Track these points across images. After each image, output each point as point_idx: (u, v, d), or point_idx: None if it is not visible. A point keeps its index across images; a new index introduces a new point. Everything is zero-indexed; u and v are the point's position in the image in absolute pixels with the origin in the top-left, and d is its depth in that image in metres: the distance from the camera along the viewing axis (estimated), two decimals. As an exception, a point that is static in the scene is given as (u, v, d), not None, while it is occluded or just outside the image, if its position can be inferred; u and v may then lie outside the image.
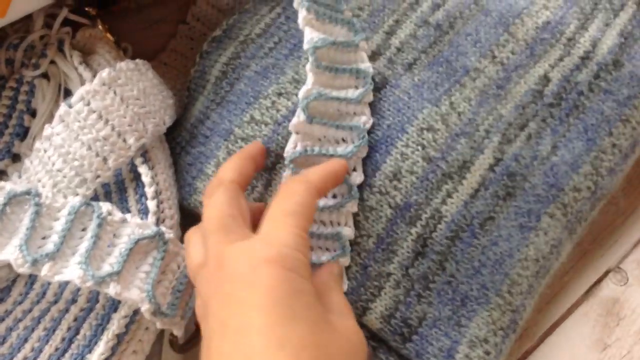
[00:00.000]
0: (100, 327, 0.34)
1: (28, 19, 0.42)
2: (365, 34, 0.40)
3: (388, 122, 0.38)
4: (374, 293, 0.36)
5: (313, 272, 0.31)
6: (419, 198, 0.36)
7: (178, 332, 0.35)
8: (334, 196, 0.36)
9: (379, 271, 0.36)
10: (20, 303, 0.36)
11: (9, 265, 0.36)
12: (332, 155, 0.36)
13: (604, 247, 0.43)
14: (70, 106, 0.36)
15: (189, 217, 0.40)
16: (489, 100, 0.39)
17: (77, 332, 0.35)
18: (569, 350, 0.40)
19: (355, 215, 0.37)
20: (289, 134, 0.38)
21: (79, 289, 0.36)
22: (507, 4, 0.41)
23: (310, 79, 0.36)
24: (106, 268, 0.33)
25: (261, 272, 0.27)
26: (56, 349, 0.34)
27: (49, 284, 0.37)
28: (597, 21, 0.41)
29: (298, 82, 0.39)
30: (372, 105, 0.38)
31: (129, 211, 0.37)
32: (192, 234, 0.32)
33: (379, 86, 0.38)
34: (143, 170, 0.37)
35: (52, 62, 0.41)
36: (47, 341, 0.35)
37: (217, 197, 0.31)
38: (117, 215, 0.35)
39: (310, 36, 0.36)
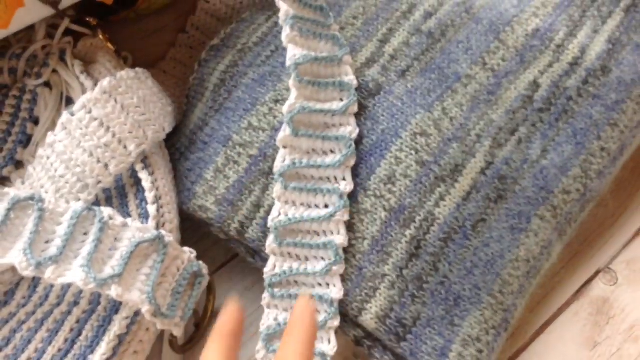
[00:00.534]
0: (102, 329, 0.35)
1: (30, 29, 0.43)
2: (358, 42, 0.41)
3: (382, 127, 0.39)
4: (369, 294, 0.37)
5: None
6: (413, 201, 0.37)
7: (178, 332, 0.36)
8: (326, 206, 0.37)
9: (374, 272, 0.37)
10: (23, 306, 0.37)
11: (12, 269, 0.37)
12: (320, 167, 0.37)
13: (594, 248, 0.44)
14: (72, 114, 0.37)
15: (187, 221, 0.41)
16: (480, 106, 0.40)
17: (79, 334, 0.35)
18: (560, 348, 0.41)
19: (350, 218, 0.38)
20: (286, 139, 0.39)
21: (81, 292, 0.37)
22: (498, 12, 0.42)
23: (293, 93, 0.37)
24: (108, 271, 0.34)
25: None
26: (59, 350, 0.35)
27: (52, 287, 0.37)
28: (586, 28, 0.42)
29: (294, 89, 0.40)
30: (367, 110, 0.39)
31: (129, 216, 0.38)
32: None
33: (374, 92, 0.39)
34: (143, 175, 0.38)
35: (54, 71, 0.42)
36: (50, 342, 0.35)
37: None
38: (119, 219, 0.36)
39: (293, 53, 0.37)
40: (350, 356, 0.40)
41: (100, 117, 0.37)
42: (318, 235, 0.37)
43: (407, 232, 0.37)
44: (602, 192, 0.42)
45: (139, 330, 0.35)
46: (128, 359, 0.35)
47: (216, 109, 0.42)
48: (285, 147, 0.37)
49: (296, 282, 0.38)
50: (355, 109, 0.38)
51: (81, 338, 0.35)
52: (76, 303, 0.36)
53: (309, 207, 0.37)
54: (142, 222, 0.37)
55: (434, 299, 0.37)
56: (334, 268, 0.37)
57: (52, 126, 0.41)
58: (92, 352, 0.35)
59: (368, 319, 0.37)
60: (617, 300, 0.42)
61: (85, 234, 0.35)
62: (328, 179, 0.38)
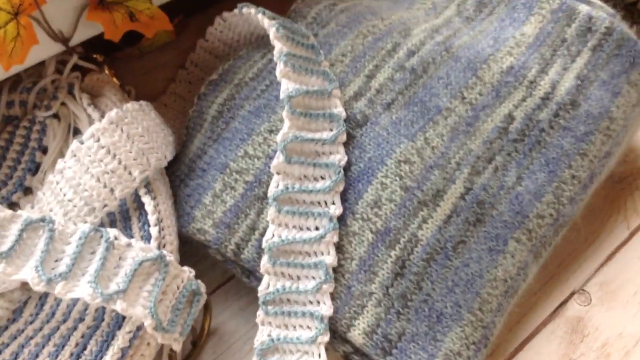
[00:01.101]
0: (106, 343, 0.37)
1: (41, 65, 0.46)
2: (347, 77, 0.44)
3: (369, 155, 0.42)
4: (357, 311, 0.39)
5: None
6: (398, 224, 0.40)
7: (177, 347, 0.38)
8: (317, 228, 0.40)
9: (362, 291, 0.39)
10: (31, 322, 0.39)
11: (21, 288, 0.40)
12: (311, 191, 0.40)
13: (569, 270, 0.47)
14: (81, 142, 0.40)
15: (186, 244, 0.44)
16: (459, 136, 0.43)
17: (84, 348, 0.37)
18: (537, 364, 0.43)
19: (339, 239, 0.40)
20: (279, 166, 0.42)
21: (86, 309, 0.39)
22: (475, 51, 0.46)
23: (286, 124, 0.40)
24: (113, 287, 0.36)
25: None
26: (65, 363, 0.37)
27: (58, 304, 0.40)
28: (556, 66, 0.46)
29: (287, 120, 0.43)
30: (354, 140, 0.42)
31: (132, 237, 0.40)
32: None
33: (361, 123, 0.43)
34: (146, 200, 0.40)
35: (63, 103, 0.45)
36: (57, 356, 0.37)
37: None
38: (123, 239, 0.38)
39: (286, 86, 0.41)
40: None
41: (108, 145, 0.40)
42: (309, 255, 0.40)
43: (393, 253, 0.40)
44: (574, 218, 0.45)
45: (140, 344, 0.38)
46: (130, 371, 0.37)
47: (214, 138, 0.45)
48: (278, 173, 0.40)
49: (289, 300, 0.40)
50: (343, 138, 0.41)
51: (86, 352, 0.37)
52: (81, 319, 0.39)
53: (301, 229, 0.40)
54: (145, 243, 0.39)
55: (417, 316, 0.39)
56: (324, 286, 0.39)
57: (60, 155, 0.44)
58: (96, 365, 0.37)
59: (356, 335, 0.39)
60: (590, 319, 0.45)
61: (92, 253, 0.38)
62: (319, 203, 0.40)
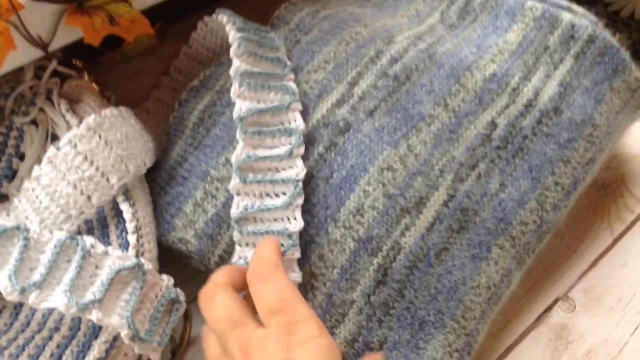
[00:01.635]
0: (82, 354, 0.37)
1: (19, 70, 0.46)
2: (330, 84, 0.44)
3: (351, 163, 0.41)
4: (338, 320, 0.39)
5: None
6: (380, 231, 0.40)
7: (155, 357, 0.37)
8: (282, 245, 0.39)
9: (343, 299, 0.39)
10: (5, 332, 0.38)
11: (-5, 297, 0.39)
12: (270, 209, 0.39)
13: (553, 277, 0.47)
14: (58, 149, 0.39)
15: (165, 252, 0.43)
16: (442, 143, 0.43)
17: (59, 358, 0.37)
18: (521, 372, 0.43)
19: (320, 247, 0.40)
20: (261, 173, 0.41)
21: (61, 318, 0.38)
22: (458, 58, 0.46)
23: (239, 145, 0.40)
24: (89, 296, 0.35)
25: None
26: (40, 375, 0.36)
27: (33, 314, 0.39)
28: (539, 73, 0.46)
29: (269, 127, 0.43)
30: (336, 147, 0.42)
31: (110, 245, 0.40)
32: (208, 331, 0.35)
33: (343, 130, 0.42)
34: (124, 207, 0.40)
35: (41, 109, 0.45)
36: (32, 367, 0.37)
37: (220, 298, 0.34)
38: (100, 247, 0.38)
39: (239, 107, 0.41)
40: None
41: (85, 152, 0.39)
42: None
43: (375, 261, 0.39)
44: (558, 224, 0.45)
45: (117, 354, 0.37)
46: (106, 382, 0.36)
47: (195, 145, 0.44)
48: (238, 194, 0.40)
49: None
50: (300, 151, 0.41)
51: (61, 362, 0.37)
52: (57, 329, 0.38)
53: None
54: (122, 251, 0.39)
55: (400, 324, 0.39)
56: None
57: (38, 162, 0.43)
58: (71, 376, 0.36)
59: (337, 343, 0.38)
60: (575, 326, 0.45)
61: (68, 261, 0.37)
62: (282, 219, 0.40)
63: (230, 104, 0.45)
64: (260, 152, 0.40)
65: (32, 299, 0.34)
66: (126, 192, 0.41)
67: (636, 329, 0.44)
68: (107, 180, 0.39)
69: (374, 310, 0.39)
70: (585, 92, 0.46)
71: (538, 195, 0.43)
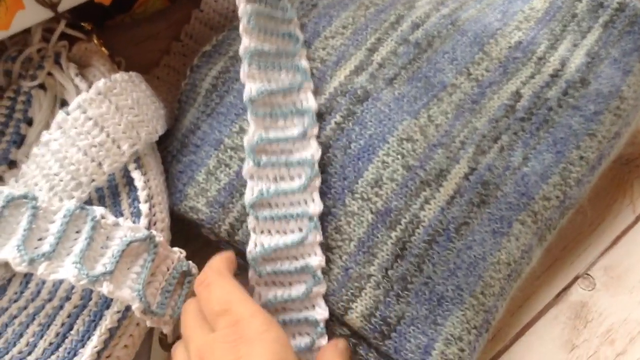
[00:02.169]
0: (93, 323, 0.36)
1: (26, 32, 0.44)
2: (348, 50, 0.42)
3: (370, 132, 0.40)
4: (354, 293, 0.38)
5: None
6: (399, 204, 0.39)
7: (167, 330, 0.37)
8: (300, 229, 0.38)
9: (360, 273, 0.38)
10: (15, 301, 0.37)
11: (4, 265, 0.38)
12: (287, 192, 0.38)
13: (573, 254, 0.46)
14: (67, 114, 0.38)
15: (178, 222, 0.42)
16: (464, 114, 0.41)
17: (70, 328, 0.36)
18: (539, 350, 0.42)
19: (337, 219, 0.39)
20: (276, 143, 0.40)
21: (72, 287, 0.37)
22: (482, 25, 0.44)
23: (251, 127, 0.38)
24: (99, 268, 0.34)
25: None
26: (50, 344, 0.36)
27: (44, 283, 0.38)
28: (566, 42, 0.44)
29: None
30: (354, 116, 0.40)
31: (121, 214, 0.39)
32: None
33: (362, 99, 0.41)
34: (136, 175, 0.39)
35: (49, 73, 0.43)
36: (42, 336, 0.36)
37: (192, 302, 0.35)
38: (110, 218, 0.36)
39: (249, 88, 0.39)
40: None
41: (95, 117, 0.38)
42: (297, 259, 0.38)
43: (393, 234, 0.38)
44: (580, 200, 0.43)
45: (129, 324, 0.36)
46: (118, 353, 0.36)
47: (208, 113, 0.43)
48: (252, 179, 0.38)
49: (284, 308, 0.38)
50: (314, 132, 0.39)
51: (72, 332, 0.36)
52: (68, 298, 0.37)
53: (284, 233, 0.38)
54: (134, 221, 0.38)
55: (417, 299, 0.38)
56: (314, 289, 0.37)
57: (46, 127, 0.42)
58: (83, 345, 0.35)
59: (354, 318, 0.38)
60: (594, 304, 0.44)
61: (77, 232, 0.36)
62: (298, 203, 0.38)
63: (245, 70, 0.43)
64: (273, 134, 0.39)
65: (41, 270, 0.33)
66: (138, 160, 0.39)
67: (658, 308, 0.43)
68: (118, 146, 0.38)
69: (391, 285, 0.38)
70: (614, 62, 0.44)
71: (562, 169, 0.41)
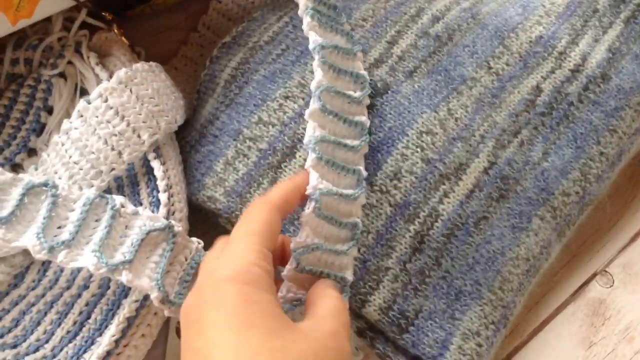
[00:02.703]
0: (111, 312, 0.36)
1: (47, 21, 0.44)
2: (367, 43, 0.42)
3: (389, 125, 0.40)
4: (372, 286, 0.38)
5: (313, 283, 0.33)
6: (418, 197, 0.38)
7: (185, 319, 0.37)
8: (345, 188, 0.36)
9: (378, 265, 0.38)
10: (33, 289, 0.38)
11: (23, 253, 0.38)
12: (345, 146, 0.37)
13: (591, 251, 0.45)
14: (89, 102, 0.38)
15: (196, 212, 0.42)
16: (484, 108, 0.41)
17: (88, 316, 0.36)
18: (556, 347, 0.42)
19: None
20: (295, 134, 0.40)
21: (91, 276, 0.37)
22: (503, 19, 0.44)
23: (319, 73, 0.37)
24: (119, 257, 0.35)
25: (220, 290, 0.29)
26: (68, 332, 0.36)
27: (62, 270, 0.38)
28: (587, 37, 0.43)
29: (304, 86, 0.41)
30: (375, 108, 0.40)
31: (140, 204, 0.39)
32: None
33: (381, 91, 0.41)
34: (155, 164, 0.39)
35: (70, 62, 0.43)
36: (60, 324, 0.36)
37: (257, 213, 0.32)
38: (130, 207, 0.37)
39: (315, 38, 0.38)
40: (352, 347, 0.41)
41: (116, 106, 0.38)
42: (347, 215, 0.36)
43: (411, 227, 0.38)
44: (600, 196, 0.43)
45: (147, 313, 0.36)
46: (136, 342, 0.36)
47: (227, 103, 0.43)
48: (314, 120, 0.37)
49: (319, 260, 0.35)
50: (367, 101, 0.39)
51: (90, 321, 0.36)
52: (86, 287, 0.37)
53: (334, 184, 0.36)
54: (153, 210, 0.38)
55: (435, 293, 0.38)
56: (353, 251, 0.36)
57: (66, 115, 0.42)
58: (100, 334, 0.35)
59: (371, 311, 0.37)
60: (613, 302, 0.43)
61: (97, 220, 0.36)
62: (349, 161, 0.37)
63: (264, 62, 0.43)
64: (338, 88, 0.38)
65: (60, 258, 0.34)
66: (157, 150, 0.39)
67: (677, 306, 0.43)
68: (139, 136, 0.38)
69: (409, 278, 0.38)
70: (635, 58, 0.43)
71: (582, 165, 0.41)
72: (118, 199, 0.37)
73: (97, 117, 0.37)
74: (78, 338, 0.35)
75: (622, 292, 0.44)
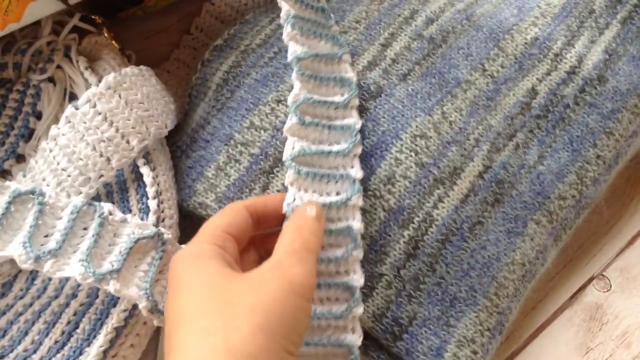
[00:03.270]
0: (100, 322, 0.35)
1: (36, 25, 0.44)
2: (360, 46, 0.42)
3: (383, 129, 0.39)
4: (366, 294, 0.37)
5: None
6: (412, 202, 0.38)
7: (175, 328, 0.36)
8: (337, 193, 0.36)
9: (372, 272, 0.37)
10: (21, 298, 0.37)
11: (11, 261, 0.37)
12: (329, 154, 0.37)
13: (588, 255, 0.45)
14: (76, 108, 0.37)
15: (187, 219, 0.41)
16: (479, 111, 0.40)
17: (76, 326, 0.36)
18: (553, 353, 0.41)
19: (349, 217, 0.38)
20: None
21: (79, 285, 0.37)
22: (498, 21, 0.43)
23: (297, 86, 0.37)
24: (106, 266, 0.34)
25: (175, 270, 0.31)
26: (56, 342, 0.35)
27: (50, 279, 0.37)
28: (583, 38, 0.43)
29: (296, 90, 0.41)
30: (368, 112, 0.39)
31: (130, 210, 0.38)
32: None
33: (375, 95, 0.40)
34: (145, 171, 0.38)
35: (59, 67, 0.43)
36: (47, 334, 0.35)
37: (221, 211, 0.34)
38: (118, 215, 0.36)
39: (294, 49, 0.38)
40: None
41: (104, 112, 0.37)
42: (340, 220, 0.36)
43: (405, 233, 0.37)
44: (597, 200, 0.43)
45: (136, 323, 0.36)
46: (124, 352, 0.35)
47: (218, 108, 0.42)
48: (293, 135, 0.37)
49: (319, 272, 0.35)
50: (356, 103, 0.39)
51: (78, 330, 0.35)
52: (74, 296, 0.37)
53: (320, 194, 0.36)
54: (142, 217, 0.37)
55: (430, 300, 0.37)
56: (354, 253, 0.35)
57: (55, 121, 0.42)
58: (88, 344, 0.35)
59: (365, 318, 0.37)
60: (610, 306, 0.43)
61: (84, 228, 0.35)
62: (338, 167, 0.37)
63: (256, 65, 0.42)
64: (317, 97, 0.38)
65: (47, 267, 0.33)
66: (147, 155, 0.39)
67: (675, 311, 0.42)
68: (127, 142, 0.38)
69: (403, 285, 0.37)
70: (632, 60, 0.43)
71: (578, 168, 0.41)
72: (106, 207, 0.36)
73: (85, 123, 0.37)
74: (66, 348, 0.35)
75: (620, 297, 0.43)
